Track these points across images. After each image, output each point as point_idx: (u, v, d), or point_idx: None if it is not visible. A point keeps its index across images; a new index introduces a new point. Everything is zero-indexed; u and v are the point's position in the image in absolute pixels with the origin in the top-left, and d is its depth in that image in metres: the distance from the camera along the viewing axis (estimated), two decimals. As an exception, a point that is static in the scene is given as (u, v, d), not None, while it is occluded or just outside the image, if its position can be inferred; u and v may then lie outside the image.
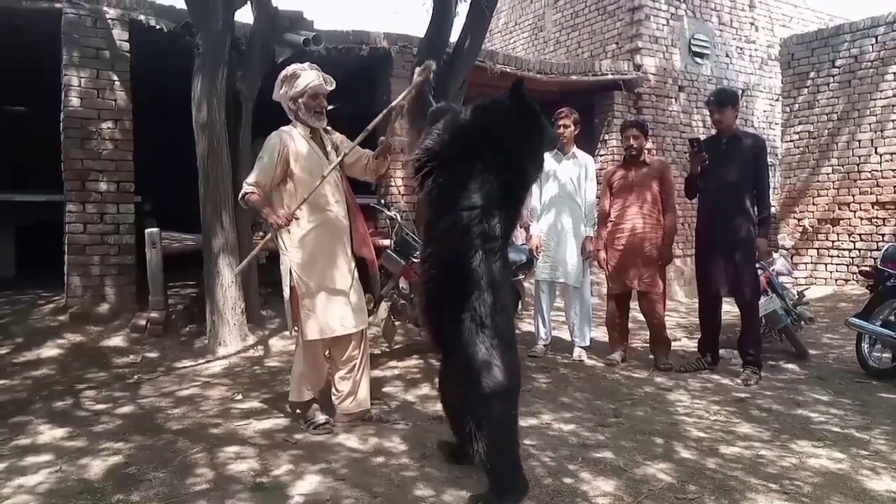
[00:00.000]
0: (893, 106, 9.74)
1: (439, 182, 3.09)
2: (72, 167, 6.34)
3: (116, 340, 5.99)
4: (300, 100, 3.83)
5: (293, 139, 3.83)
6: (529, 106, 3.17)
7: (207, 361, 5.57)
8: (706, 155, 5.15)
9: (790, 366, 5.58)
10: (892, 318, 5.12)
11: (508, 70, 8.61)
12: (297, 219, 3.73)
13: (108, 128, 6.45)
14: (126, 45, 6.51)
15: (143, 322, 6.16)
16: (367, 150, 4.03)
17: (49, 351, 5.68)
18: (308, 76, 3.83)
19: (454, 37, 6.98)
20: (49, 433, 3.84)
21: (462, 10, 6.85)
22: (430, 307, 3.20)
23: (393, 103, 3.90)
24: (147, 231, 6.17)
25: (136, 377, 5.09)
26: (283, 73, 3.87)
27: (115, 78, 6.47)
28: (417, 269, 5.63)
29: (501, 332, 2.95)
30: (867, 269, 6.06)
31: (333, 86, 3.95)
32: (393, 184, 7.78)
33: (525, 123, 3.14)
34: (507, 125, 3.09)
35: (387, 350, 5.85)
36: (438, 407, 4.27)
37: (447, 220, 3.01)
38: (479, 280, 2.92)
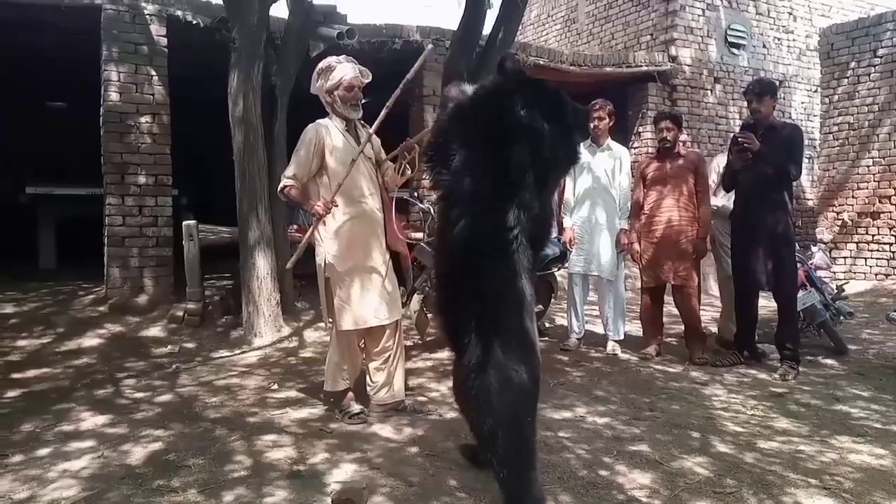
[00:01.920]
0: (937, 96, 9.51)
1: (445, 174, 2.93)
2: (111, 161, 6.47)
3: (155, 331, 6.10)
4: (336, 92, 3.86)
5: (329, 132, 3.86)
6: (524, 82, 2.97)
7: (243, 352, 5.65)
8: (747, 141, 4.97)
9: (829, 361, 5.48)
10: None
11: (541, 62, 8.57)
12: (336, 206, 3.75)
13: (147, 122, 6.57)
14: (164, 41, 6.63)
15: (180, 313, 6.27)
16: (391, 163, 4.07)
17: (90, 341, 5.80)
18: (343, 69, 3.86)
19: (487, 29, 6.96)
20: (91, 420, 3.93)
21: (495, 2, 6.83)
22: (445, 305, 3.06)
23: (406, 78, 3.91)
24: (184, 223, 6.27)
25: (174, 367, 5.18)
26: (320, 66, 3.91)
27: (153, 73, 6.58)
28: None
29: (518, 333, 2.76)
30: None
31: (370, 78, 3.98)
32: (425, 177, 7.79)
33: (529, 102, 2.88)
34: (509, 106, 2.85)
35: (419, 342, 5.87)
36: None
37: (456, 214, 2.84)
38: (496, 277, 2.75)
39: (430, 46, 4.00)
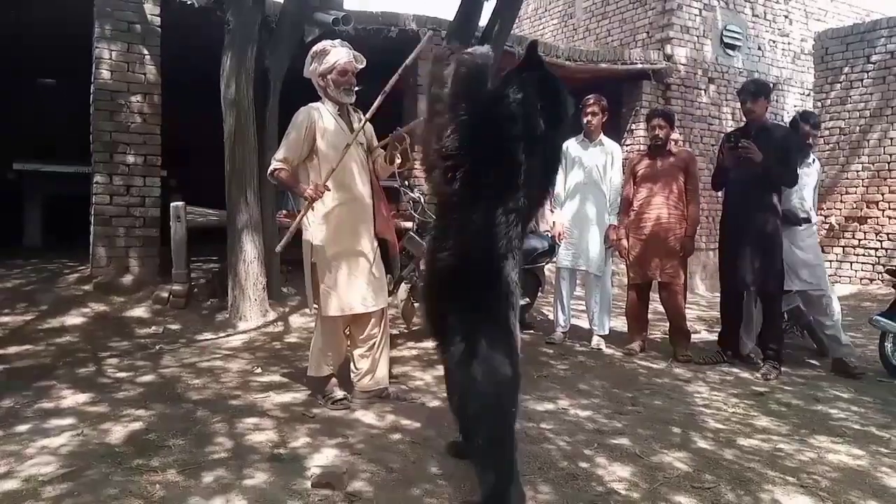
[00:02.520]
0: (928, 104, 9.58)
1: (452, 168, 2.76)
2: (100, 139, 6.41)
3: (139, 311, 6.06)
4: (329, 76, 3.84)
5: (321, 115, 3.84)
6: (549, 76, 2.84)
7: (228, 335, 5.63)
8: (743, 145, 4.95)
9: (811, 362, 5.53)
10: (917, 317, 5.06)
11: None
12: (328, 190, 3.73)
13: (138, 101, 6.51)
14: (157, 20, 6.57)
15: (165, 294, 6.23)
16: (382, 151, 4.04)
17: (73, 319, 5.76)
18: (338, 52, 3.84)
19: (483, 21, 6.94)
20: (72, 398, 3.90)
21: (493, -7, 6.80)
22: (433, 296, 2.98)
23: (405, 63, 3.89)
24: (172, 205, 6.23)
25: (157, 347, 5.16)
26: (314, 48, 3.88)
27: (146, 52, 6.52)
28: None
29: (504, 327, 2.74)
30: (894, 268, 5.97)
31: (364, 64, 3.96)
32: (416, 166, 7.79)
33: (546, 98, 2.77)
34: (527, 102, 2.72)
35: (405, 331, 5.86)
36: (456, 388, 4.31)
37: (459, 209, 2.75)
38: (487, 272, 2.71)
39: (429, 33, 3.99)
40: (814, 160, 5.56)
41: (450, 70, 2.86)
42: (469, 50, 2.92)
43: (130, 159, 6.50)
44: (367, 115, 3.87)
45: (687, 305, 5.84)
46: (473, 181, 2.71)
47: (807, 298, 5.35)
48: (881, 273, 9.30)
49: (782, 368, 5.05)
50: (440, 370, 4.75)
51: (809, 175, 5.42)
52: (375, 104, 3.79)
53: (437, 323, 2.92)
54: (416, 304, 5.88)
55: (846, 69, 10.41)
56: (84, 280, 6.45)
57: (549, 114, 2.75)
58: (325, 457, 3.15)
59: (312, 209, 3.79)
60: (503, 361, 2.66)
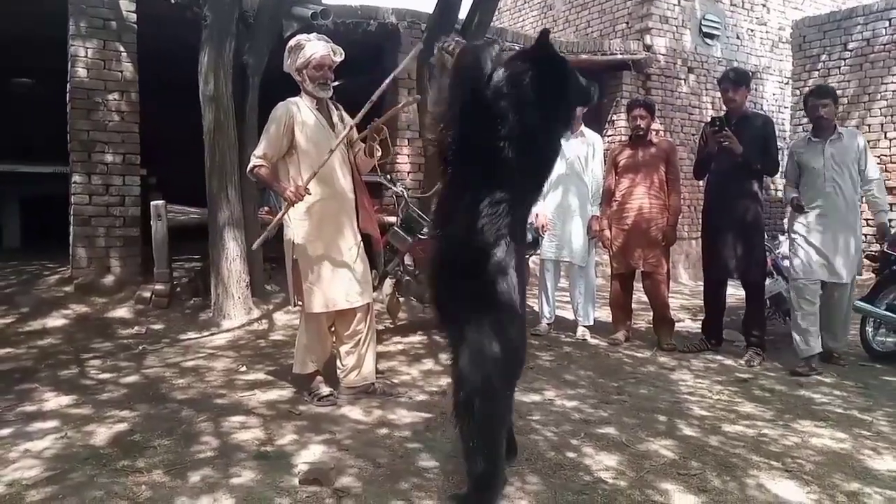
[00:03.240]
0: (905, 90, 9.67)
1: (456, 157, 2.70)
2: (78, 138, 6.34)
3: (121, 312, 6.01)
4: (305, 70, 3.80)
5: (300, 109, 3.81)
6: (559, 64, 2.73)
7: (212, 334, 5.59)
8: (728, 133, 4.94)
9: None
10: (897, 301, 5.12)
11: (517, 48, 8.54)
12: (309, 193, 3.70)
13: (115, 99, 6.44)
14: (133, 17, 6.49)
15: (147, 294, 6.19)
16: (362, 144, 4.01)
17: (54, 321, 5.70)
18: (313, 46, 3.80)
19: (463, 13, 6.92)
20: (55, 400, 3.86)
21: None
22: (434, 286, 2.93)
23: (395, 71, 3.87)
24: (152, 203, 6.18)
25: (140, 347, 5.12)
26: (290, 43, 3.85)
27: (122, 49, 6.45)
28: (424, 246, 5.66)
29: (511, 315, 2.70)
30: (874, 253, 6.04)
31: (342, 57, 3.92)
32: (399, 160, 7.78)
33: (555, 89, 2.67)
34: (533, 93, 2.61)
35: (391, 326, 5.86)
36: (442, 381, 4.32)
37: (465, 199, 2.67)
38: (495, 262, 2.64)
39: (419, 45, 3.95)
40: (839, 135, 4.89)
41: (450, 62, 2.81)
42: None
43: (109, 158, 6.43)
44: (355, 121, 3.84)
45: (670, 294, 5.86)
46: (462, 170, 2.69)
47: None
48: (861, 258, 9.40)
49: (765, 355, 5.10)
50: (426, 365, 4.79)
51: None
52: (363, 110, 3.76)
53: (441, 313, 2.89)
54: (400, 299, 5.88)
55: (823, 57, 10.48)
56: (64, 281, 6.38)
57: (550, 102, 2.65)
58: (312, 453, 3.14)
59: (293, 207, 3.77)
60: (496, 348, 2.62)
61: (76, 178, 6.34)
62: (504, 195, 2.63)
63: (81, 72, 6.29)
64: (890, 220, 9.39)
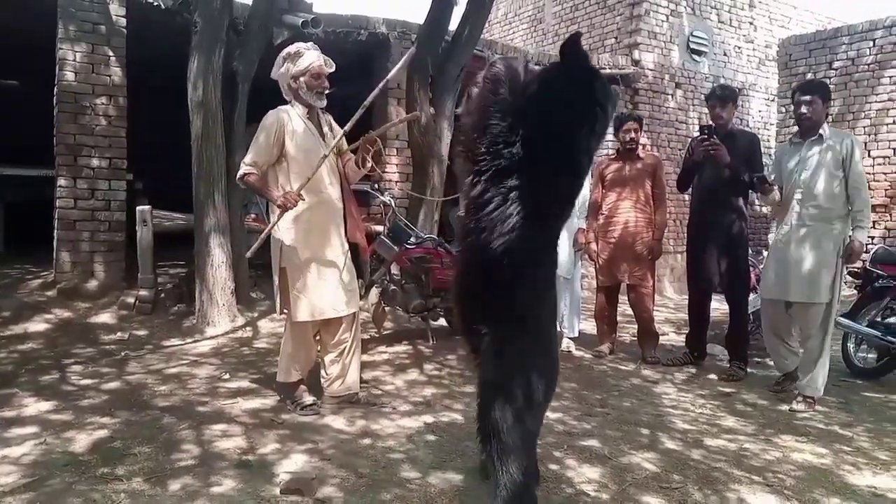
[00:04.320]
0: (888, 109, 9.81)
1: (478, 172, 2.60)
2: (64, 142, 6.30)
3: (104, 317, 5.96)
4: (301, 78, 3.81)
5: (290, 118, 3.81)
6: (585, 72, 2.66)
7: (196, 341, 5.56)
8: (715, 141, 4.90)
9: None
10: (878, 318, 5.15)
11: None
12: (303, 199, 3.70)
13: (102, 103, 6.41)
14: (123, 21, 6.47)
15: (131, 299, 6.14)
16: (352, 154, 4.02)
17: (36, 326, 5.64)
18: (311, 55, 3.82)
19: (453, 25, 6.97)
20: (34, 406, 3.82)
21: (462, -2, 6.84)
22: (470, 312, 2.78)
23: (387, 77, 3.88)
24: (138, 208, 6.15)
25: (123, 354, 5.08)
26: (287, 50, 3.85)
27: (111, 53, 6.42)
28: (411, 255, 5.67)
29: (548, 340, 2.70)
30: (856, 269, 6.08)
31: (333, 68, 3.93)
32: (387, 170, 7.79)
33: (582, 100, 2.59)
34: (560, 105, 2.55)
35: (376, 335, 5.84)
36: (427, 392, 4.32)
37: (486, 214, 2.56)
38: (528, 285, 2.59)
39: (411, 50, 3.98)
40: (820, 136, 4.45)
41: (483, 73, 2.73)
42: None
43: (95, 162, 6.39)
44: (346, 128, 3.84)
45: (655, 308, 5.90)
46: (499, 184, 2.55)
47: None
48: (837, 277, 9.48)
49: (748, 369, 5.13)
50: (411, 375, 4.78)
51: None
52: (355, 117, 3.77)
53: (471, 335, 2.76)
54: (386, 309, 5.87)
55: (809, 75, 10.59)
56: (47, 286, 6.32)
57: (578, 114, 2.58)
58: (294, 463, 3.12)
59: (275, 215, 3.76)
60: (538, 376, 2.58)
61: (62, 181, 6.30)
62: (540, 206, 2.55)
63: (69, 75, 6.26)
64: (872, 239, 9.54)
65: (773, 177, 4.68)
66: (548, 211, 2.62)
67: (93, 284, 6.31)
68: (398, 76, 3.90)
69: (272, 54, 4.03)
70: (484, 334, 2.64)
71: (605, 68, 9.66)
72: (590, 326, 6.22)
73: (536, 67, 2.78)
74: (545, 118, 2.54)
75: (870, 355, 5.34)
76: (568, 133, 2.56)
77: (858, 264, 5.02)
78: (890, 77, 9.78)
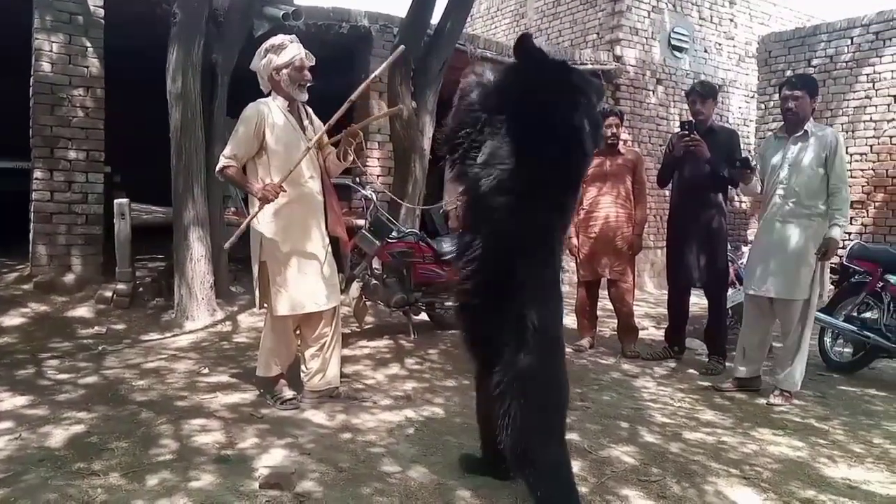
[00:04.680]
0: (865, 107, 9.92)
1: (472, 165, 2.58)
2: (40, 134, 6.21)
3: (82, 311, 5.89)
4: (284, 70, 3.77)
5: (270, 111, 3.78)
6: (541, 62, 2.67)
7: (174, 335, 5.51)
8: (696, 137, 4.95)
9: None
10: (854, 313, 5.22)
11: (489, 55, 8.59)
12: (285, 191, 3.67)
13: (80, 95, 6.32)
14: (101, 11, 6.38)
15: (109, 294, 6.07)
16: (333, 147, 3.99)
17: (12, 320, 5.56)
18: (294, 48, 3.79)
19: (436, 18, 6.94)
20: (10, 401, 3.77)
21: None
22: (472, 313, 2.71)
23: (367, 80, 3.86)
24: (116, 201, 6.07)
25: (100, 348, 5.02)
26: (269, 42, 3.81)
27: (88, 44, 6.34)
28: (393, 250, 5.66)
29: (555, 342, 2.62)
30: (833, 265, 6.15)
31: (313, 62, 3.91)
32: (369, 163, 7.76)
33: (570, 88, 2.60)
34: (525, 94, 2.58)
35: (357, 330, 5.83)
36: (408, 386, 4.32)
37: (490, 210, 2.55)
38: (538, 282, 2.55)
39: (401, 47, 3.94)
40: (805, 132, 4.43)
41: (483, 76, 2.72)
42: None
43: (72, 155, 6.30)
44: (330, 122, 3.80)
45: (635, 303, 5.93)
46: (510, 185, 2.51)
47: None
48: (818, 275, 9.58)
49: (726, 364, 5.17)
50: (392, 369, 4.77)
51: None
52: (339, 112, 3.74)
53: (478, 342, 2.71)
54: (367, 303, 5.86)
55: (788, 72, 10.67)
56: (23, 279, 6.24)
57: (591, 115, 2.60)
58: (273, 457, 3.10)
59: (255, 208, 3.74)
60: (555, 377, 2.56)
61: (38, 174, 6.21)
62: (538, 204, 2.53)
63: (46, 66, 6.17)
64: (849, 234, 9.66)
65: (754, 164, 4.68)
66: (553, 212, 2.59)
67: (70, 278, 6.24)
68: (383, 73, 3.87)
69: (252, 46, 3.99)
70: (497, 345, 2.55)
71: (586, 64, 9.69)
72: (570, 321, 6.23)
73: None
74: (523, 115, 2.54)
75: (846, 350, 5.42)
76: (552, 123, 2.55)
77: (835, 260, 5.08)
78: (867, 75, 9.89)
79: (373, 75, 3.84)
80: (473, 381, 3.00)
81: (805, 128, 4.42)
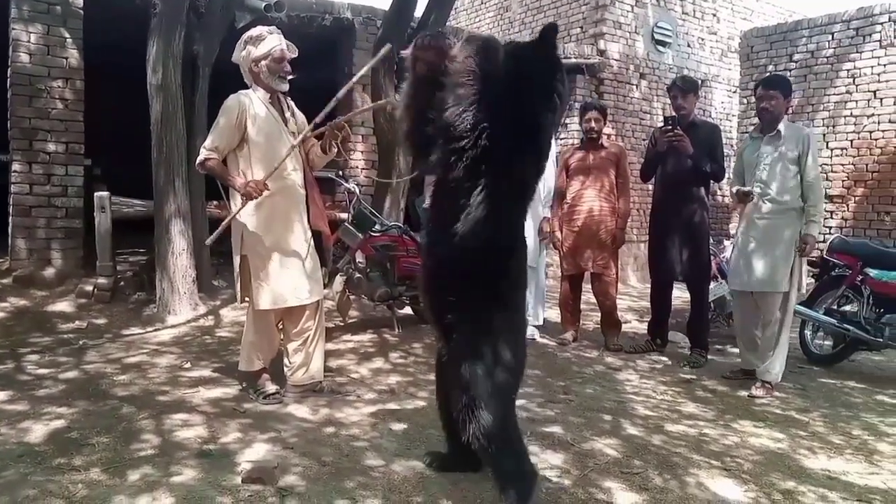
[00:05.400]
0: (846, 102, 9.98)
1: (458, 151, 2.53)
2: (18, 126, 6.13)
3: (62, 305, 5.84)
4: (263, 62, 3.74)
5: (252, 102, 3.75)
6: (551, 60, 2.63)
7: (156, 330, 5.47)
8: (679, 132, 4.98)
9: (735, 350, 5.68)
10: (834, 306, 5.28)
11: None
12: (269, 189, 3.64)
13: (59, 87, 6.25)
14: (79, 2, 6.31)
15: (89, 288, 6.02)
16: (316, 140, 3.97)
17: (-10, 314, 5.51)
18: (274, 39, 3.76)
19: (419, 11, 6.92)
20: (-12, 396, 3.73)
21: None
22: (437, 289, 2.75)
23: (356, 77, 3.84)
24: (96, 195, 6.02)
25: (81, 343, 4.98)
26: (248, 33, 3.78)
27: (67, 35, 6.26)
28: (376, 243, 5.64)
29: (516, 317, 2.73)
30: (814, 259, 6.21)
31: (296, 53, 3.88)
32: (353, 157, 7.73)
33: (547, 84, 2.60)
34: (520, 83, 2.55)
35: (340, 324, 5.81)
36: (391, 380, 4.32)
37: (461, 196, 2.54)
38: (498, 264, 2.64)
39: (387, 46, 3.92)
40: (778, 131, 4.52)
41: (455, 49, 2.61)
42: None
43: (51, 147, 6.23)
44: (316, 120, 3.76)
45: (618, 296, 5.96)
46: (481, 164, 2.50)
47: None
48: (795, 270, 9.67)
49: (708, 356, 5.21)
50: (376, 363, 4.77)
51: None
52: (325, 109, 3.70)
53: (439, 319, 2.75)
54: (351, 297, 5.84)
55: (770, 67, 10.74)
56: (2, 273, 6.17)
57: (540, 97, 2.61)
58: (256, 452, 3.09)
59: (236, 200, 3.70)
60: (512, 355, 2.62)
61: (16, 166, 6.14)
62: (515, 191, 2.63)
63: (24, 57, 6.09)
64: (829, 229, 9.75)
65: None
66: (517, 193, 2.67)
67: (49, 272, 6.17)
68: (369, 70, 3.84)
69: (234, 37, 3.96)
70: (455, 322, 2.63)
71: (570, 58, 9.71)
72: (554, 314, 6.27)
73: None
74: (504, 98, 2.52)
75: (826, 342, 5.48)
76: (523, 111, 2.56)
77: (816, 254, 5.13)
78: (847, 70, 9.96)
79: (359, 74, 3.82)
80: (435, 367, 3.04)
81: (778, 127, 4.52)
